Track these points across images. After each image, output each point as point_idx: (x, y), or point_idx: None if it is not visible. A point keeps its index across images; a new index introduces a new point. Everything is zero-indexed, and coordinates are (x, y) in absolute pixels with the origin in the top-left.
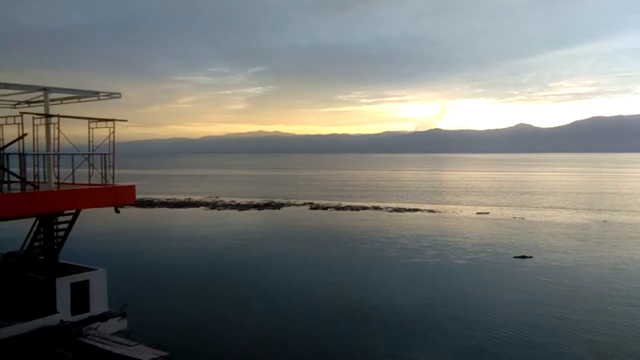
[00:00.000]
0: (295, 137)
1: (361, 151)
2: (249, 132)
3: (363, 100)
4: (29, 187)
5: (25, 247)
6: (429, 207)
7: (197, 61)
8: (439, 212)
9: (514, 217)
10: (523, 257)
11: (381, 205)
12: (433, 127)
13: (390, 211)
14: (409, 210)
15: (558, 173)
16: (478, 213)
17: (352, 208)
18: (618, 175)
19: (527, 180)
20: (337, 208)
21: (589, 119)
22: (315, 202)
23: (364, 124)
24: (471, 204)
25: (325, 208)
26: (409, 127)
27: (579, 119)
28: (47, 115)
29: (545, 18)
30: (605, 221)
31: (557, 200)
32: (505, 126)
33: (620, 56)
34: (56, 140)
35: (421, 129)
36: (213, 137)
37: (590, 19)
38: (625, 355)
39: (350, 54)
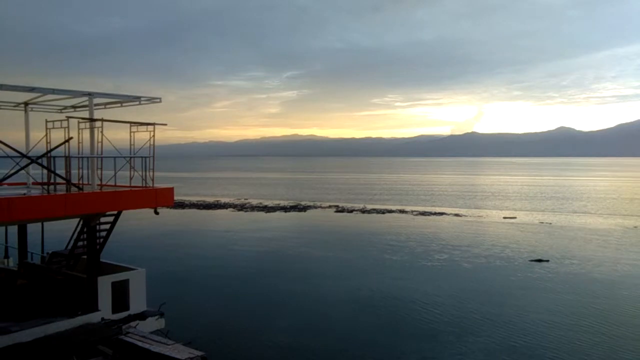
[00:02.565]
0: (330, 141)
1: (395, 155)
2: (283, 136)
3: (398, 104)
4: (73, 189)
5: (69, 247)
6: (455, 211)
7: (235, 65)
8: (465, 216)
9: (541, 222)
10: (539, 260)
11: (407, 208)
12: (469, 131)
13: (415, 214)
14: (435, 214)
15: (596, 178)
16: (504, 217)
17: (377, 211)
18: None
19: (562, 185)
20: (363, 211)
21: (635, 121)
22: (340, 204)
23: (398, 127)
24: (498, 208)
25: (351, 211)
26: (444, 130)
27: (623, 121)
28: (92, 120)
29: (587, 18)
30: (636, 227)
31: (588, 206)
32: (545, 129)
33: None
34: (100, 144)
35: (457, 133)
36: (248, 140)
37: (635, 19)
38: None
39: (385, 57)
